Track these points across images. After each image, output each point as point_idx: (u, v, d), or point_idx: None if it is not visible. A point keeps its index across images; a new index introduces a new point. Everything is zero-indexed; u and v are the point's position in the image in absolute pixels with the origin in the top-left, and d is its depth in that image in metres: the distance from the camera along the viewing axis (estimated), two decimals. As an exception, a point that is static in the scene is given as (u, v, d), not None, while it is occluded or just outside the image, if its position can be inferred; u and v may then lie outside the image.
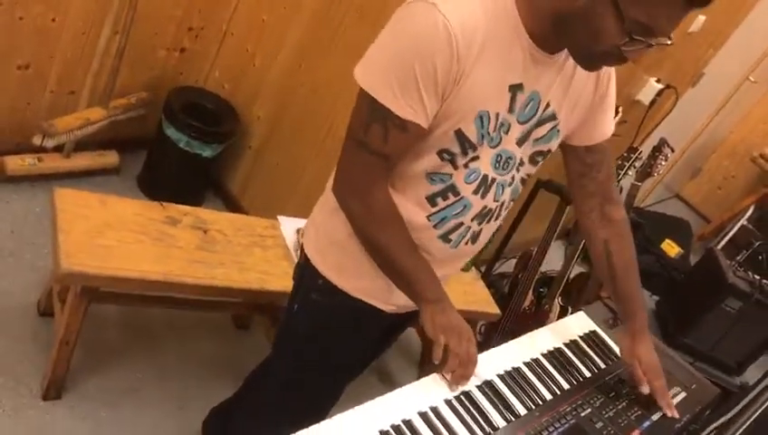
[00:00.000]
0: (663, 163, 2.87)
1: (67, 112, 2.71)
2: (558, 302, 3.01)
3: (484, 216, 1.42)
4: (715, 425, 1.47)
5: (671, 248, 4.21)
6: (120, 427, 2.12)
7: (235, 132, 2.97)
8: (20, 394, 2.04)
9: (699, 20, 3.32)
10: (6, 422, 1.97)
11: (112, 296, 2.12)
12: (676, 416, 1.48)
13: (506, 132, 1.32)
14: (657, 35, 1.14)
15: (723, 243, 4.50)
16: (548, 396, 1.40)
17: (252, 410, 1.82)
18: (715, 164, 5.72)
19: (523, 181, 1.46)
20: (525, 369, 1.44)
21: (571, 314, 1.77)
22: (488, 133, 1.29)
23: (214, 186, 3.15)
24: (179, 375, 2.35)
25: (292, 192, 2.83)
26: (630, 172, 2.86)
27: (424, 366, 2.77)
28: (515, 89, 1.27)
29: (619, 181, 2.85)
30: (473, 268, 2.68)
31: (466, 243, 1.45)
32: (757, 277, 3.16)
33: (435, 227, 1.39)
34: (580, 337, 1.64)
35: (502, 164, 1.36)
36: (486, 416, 1.27)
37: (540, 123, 1.36)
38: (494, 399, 1.32)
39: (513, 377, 1.40)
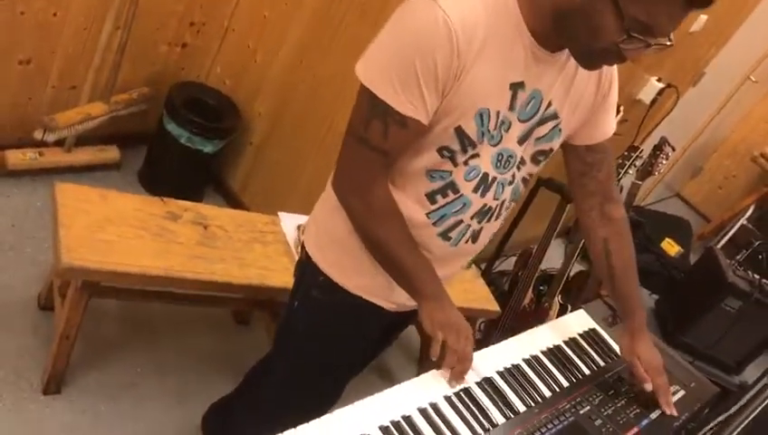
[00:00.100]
0: (664, 162, 2.87)
1: (68, 107, 2.71)
2: (558, 300, 3.01)
3: (484, 214, 1.42)
4: (713, 423, 1.47)
5: (671, 247, 4.21)
6: (120, 421, 2.12)
7: (236, 128, 2.97)
8: (20, 388, 2.05)
9: (701, 19, 3.31)
10: (6, 416, 1.97)
11: (113, 291, 2.12)
12: (675, 414, 1.49)
13: (507, 130, 1.32)
14: (657, 35, 1.14)
15: (723, 242, 4.50)
16: (547, 393, 1.40)
17: (252, 405, 1.82)
18: (716, 163, 5.72)
19: (524, 181, 1.46)
20: (525, 366, 1.44)
21: (571, 312, 1.77)
22: (488, 131, 1.29)
23: (214, 181, 3.15)
24: (179, 370, 2.35)
25: (293, 188, 2.84)
26: (631, 171, 2.86)
27: (423, 363, 2.77)
28: (516, 87, 1.27)
29: (619, 180, 2.85)
30: (473, 266, 2.69)
31: (466, 241, 1.45)
32: (757, 277, 3.17)
33: (434, 224, 1.39)
34: (580, 335, 1.64)
35: (503, 163, 1.36)
36: (486, 412, 1.28)
37: (541, 122, 1.36)
38: (494, 395, 1.32)
39: (512, 374, 1.40)
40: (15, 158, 2.65)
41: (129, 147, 3.01)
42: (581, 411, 1.39)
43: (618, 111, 2.70)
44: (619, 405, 1.45)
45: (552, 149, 1.43)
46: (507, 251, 3.24)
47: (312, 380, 1.64)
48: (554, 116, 1.36)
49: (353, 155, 1.29)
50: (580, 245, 2.88)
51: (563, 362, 1.51)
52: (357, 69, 1.23)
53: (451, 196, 1.36)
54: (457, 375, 1.30)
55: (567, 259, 2.98)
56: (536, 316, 2.95)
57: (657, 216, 4.53)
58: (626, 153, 2.85)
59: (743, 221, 4.67)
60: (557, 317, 2.27)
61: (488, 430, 1.25)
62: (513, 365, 1.42)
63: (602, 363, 1.58)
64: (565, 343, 1.58)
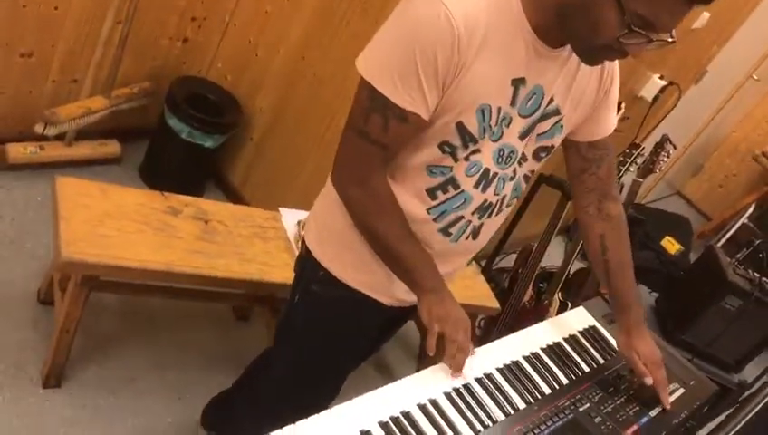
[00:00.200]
0: (665, 160, 2.86)
1: (69, 101, 2.71)
2: (558, 297, 3.01)
3: (484, 210, 1.42)
4: (712, 422, 1.47)
5: (671, 245, 4.21)
6: (120, 415, 2.12)
7: (238, 123, 2.97)
8: (20, 382, 2.05)
9: (704, 16, 3.31)
10: (6, 410, 1.97)
11: (113, 285, 2.12)
12: (668, 407, 1.49)
13: (508, 126, 1.31)
14: (658, 30, 1.14)
15: (723, 241, 4.50)
16: (547, 390, 1.40)
17: (252, 399, 1.82)
18: (717, 162, 5.72)
19: (526, 178, 1.46)
20: (524, 363, 1.44)
21: (571, 309, 1.77)
22: (490, 127, 1.29)
23: (215, 177, 3.15)
24: (179, 365, 2.36)
25: (294, 184, 2.84)
26: (632, 168, 2.86)
27: (422, 359, 2.78)
28: (518, 83, 1.27)
29: (621, 177, 2.85)
30: (473, 262, 2.69)
31: (467, 237, 1.45)
32: (757, 275, 3.17)
33: (435, 220, 1.39)
34: (580, 332, 1.64)
35: (504, 158, 1.36)
36: (485, 409, 1.27)
37: (543, 118, 1.36)
38: (493, 392, 1.32)
39: (512, 371, 1.40)
40: (16, 151, 2.64)
41: (130, 141, 3.00)
42: (581, 409, 1.39)
43: (619, 108, 2.70)
44: (618, 402, 1.45)
45: (553, 146, 1.43)
46: (508, 248, 3.25)
47: (312, 374, 1.64)
48: (556, 112, 1.36)
49: (353, 148, 1.29)
50: (581, 242, 2.88)
51: (563, 360, 1.51)
52: (357, 62, 1.23)
53: (452, 191, 1.36)
54: (456, 366, 1.30)
55: (567, 257, 2.98)
56: (536, 313, 2.95)
57: (657, 214, 4.53)
58: (627, 150, 2.84)
59: (743, 220, 4.67)
60: (557, 314, 2.26)
61: (487, 426, 1.25)
62: (512, 362, 1.42)
63: (602, 361, 1.58)
64: (565, 340, 1.58)
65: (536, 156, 1.42)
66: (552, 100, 1.34)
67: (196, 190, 2.96)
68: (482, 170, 1.35)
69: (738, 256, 3.68)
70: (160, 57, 2.95)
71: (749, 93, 5.05)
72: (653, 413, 1.47)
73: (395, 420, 1.17)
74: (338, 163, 1.34)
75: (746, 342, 3.25)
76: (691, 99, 3.98)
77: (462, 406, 1.26)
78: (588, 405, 1.41)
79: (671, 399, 1.52)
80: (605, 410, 1.41)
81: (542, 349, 1.51)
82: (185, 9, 2.86)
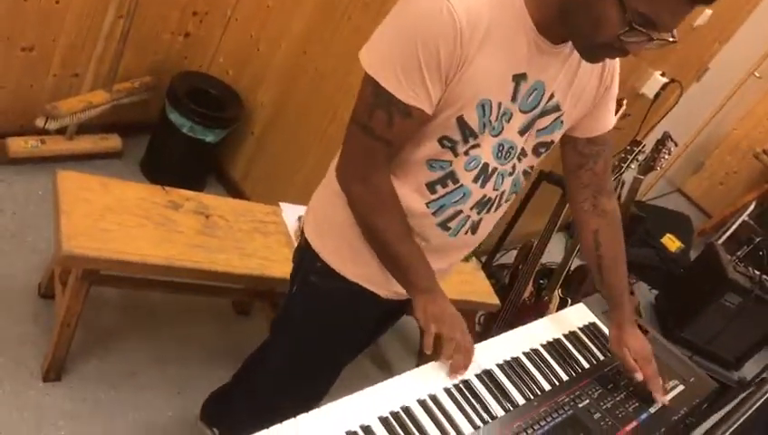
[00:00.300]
0: (666, 157, 2.86)
1: (70, 95, 2.71)
2: (558, 293, 3.01)
3: (483, 205, 1.42)
4: (711, 419, 1.47)
5: (672, 243, 4.21)
6: (120, 409, 2.12)
7: (239, 118, 2.97)
8: (20, 375, 2.05)
9: (706, 14, 3.30)
10: (6, 403, 1.98)
11: (113, 280, 2.12)
12: (666, 402, 1.49)
13: (508, 121, 1.32)
14: (660, 29, 1.14)
15: (723, 238, 4.51)
16: (546, 386, 1.40)
17: (250, 392, 1.82)
18: (718, 159, 5.71)
19: (525, 174, 1.46)
20: (524, 359, 1.44)
21: (571, 305, 1.77)
22: (490, 122, 1.29)
23: (216, 171, 3.15)
24: (179, 359, 2.36)
25: (294, 179, 2.83)
26: (633, 165, 2.86)
27: (422, 355, 2.77)
28: (519, 78, 1.27)
29: (621, 174, 2.85)
30: (473, 259, 2.69)
31: (466, 232, 1.45)
32: (757, 273, 3.17)
33: (434, 214, 1.39)
34: (580, 329, 1.65)
35: (503, 153, 1.36)
36: (485, 405, 1.28)
37: (543, 114, 1.36)
38: (493, 388, 1.32)
39: (512, 367, 1.40)
40: (17, 145, 2.64)
41: (131, 135, 3.00)
42: (580, 405, 1.39)
43: (620, 105, 2.70)
44: (618, 399, 1.46)
45: (553, 142, 1.43)
46: (508, 244, 3.25)
47: (308, 365, 1.65)
48: (556, 108, 1.36)
49: (357, 143, 1.30)
50: (581, 239, 2.88)
51: (563, 356, 1.51)
52: (361, 57, 1.23)
53: (451, 186, 1.36)
54: (459, 367, 1.31)
55: (568, 253, 2.98)
56: (536, 310, 2.95)
57: (658, 211, 4.53)
58: (628, 148, 2.84)
59: (744, 217, 4.67)
60: (557, 311, 2.27)
61: (487, 422, 1.25)
62: (512, 358, 1.42)
63: (602, 357, 1.58)
64: (565, 336, 1.59)
65: (536, 151, 1.42)
66: (552, 96, 1.34)
67: (197, 185, 2.96)
68: (481, 165, 1.35)
69: (738, 253, 3.68)
70: (162, 51, 2.95)
71: (750, 91, 5.04)
72: (652, 410, 1.47)
73: (395, 415, 1.17)
74: (342, 158, 1.35)
75: (746, 339, 3.25)
76: (692, 96, 3.97)
77: (462, 402, 1.26)
78: (587, 401, 1.41)
79: (670, 396, 1.53)
80: (604, 407, 1.42)
81: (542, 345, 1.52)
82: (186, 4, 2.86)
